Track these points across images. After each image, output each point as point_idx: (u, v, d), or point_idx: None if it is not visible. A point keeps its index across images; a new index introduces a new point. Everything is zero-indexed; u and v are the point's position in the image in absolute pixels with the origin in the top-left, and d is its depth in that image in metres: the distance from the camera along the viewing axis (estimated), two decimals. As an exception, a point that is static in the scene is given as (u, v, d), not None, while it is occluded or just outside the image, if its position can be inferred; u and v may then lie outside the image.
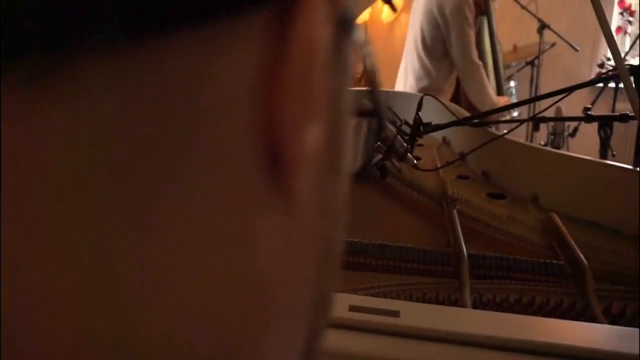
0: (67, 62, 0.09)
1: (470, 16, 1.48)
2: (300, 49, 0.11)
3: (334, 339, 0.46)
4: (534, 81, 2.32)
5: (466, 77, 1.54)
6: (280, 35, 0.11)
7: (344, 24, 0.13)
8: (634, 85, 0.62)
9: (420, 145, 1.18)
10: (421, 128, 0.85)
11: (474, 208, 0.83)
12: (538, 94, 2.22)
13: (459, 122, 0.89)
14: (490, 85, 1.60)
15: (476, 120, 0.94)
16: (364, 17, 2.65)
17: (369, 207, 0.89)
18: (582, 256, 0.62)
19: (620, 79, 0.60)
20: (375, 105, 0.17)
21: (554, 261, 0.64)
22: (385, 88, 2.09)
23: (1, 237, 0.09)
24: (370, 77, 0.16)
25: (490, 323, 0.47)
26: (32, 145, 0.09)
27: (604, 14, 0.57)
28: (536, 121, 0.86)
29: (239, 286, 0.12)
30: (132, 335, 0.10)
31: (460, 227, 0.76)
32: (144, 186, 0.10)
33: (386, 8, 2.67)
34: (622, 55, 2.30)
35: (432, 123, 0.92)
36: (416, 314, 0.46)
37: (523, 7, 2.09)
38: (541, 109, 1.03)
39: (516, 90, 2.28)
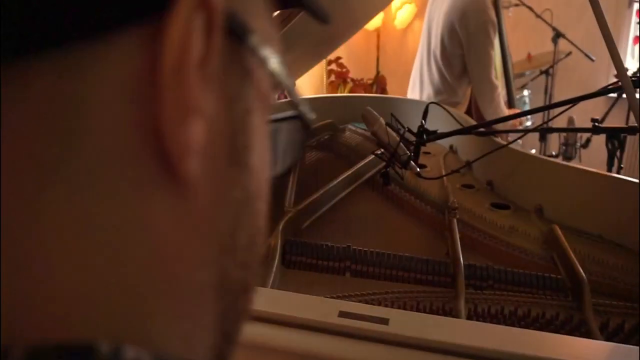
0: None
1: (493, 35, 1.46)
2: (169, 59, 0.13)
3: (322, 344, 0.46)
4: (548, 91, 2.29)
5: (483, 97, 1.52)
6: (152, 50, 0.13)
7: (235, 34, 0.15)
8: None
9: (427, 153, 1.18)
10: (424, 136, 0.85)
11: (476, 218, 0.83)
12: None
13: (463, 131, 0.88)
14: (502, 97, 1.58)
15: (482, 129, 0.94)
16: (376, 23, 2.66)
17: (371, 213, 0.89)
18: (580, 270, 0.62)
19: (624, 90, 0.59)
20: (298, 112, 0.19)
21: (551, 274, 0.64)
22: (397, 94, 2.09)
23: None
24: (284, 86, 0.18)
25: (480, 334, 0.47)
26: None
27: (604, 19, 0.57)
28: (541, 132, 0.85)
29: (131, 263, 0.14)
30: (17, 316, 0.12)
31: (461, 236, 0.76)
32: (33, 178, 0.12)
33: (399, 14, 2.67)
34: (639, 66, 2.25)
35: (438, 131, 0.92)
36: (405, 323, 0.47)
37: (537, 16, 2.07)
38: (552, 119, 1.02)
39: (530, 99, 2.25)
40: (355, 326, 0.46)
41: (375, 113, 0.89)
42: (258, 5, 0.17)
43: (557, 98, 2.23)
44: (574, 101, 0.73)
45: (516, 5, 2.08)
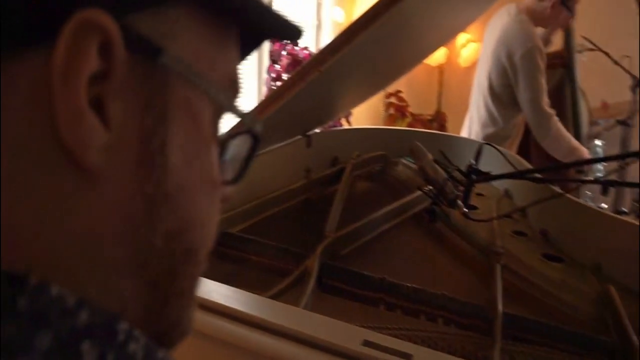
0: None
1: (542, 63, 1.43)
2: (56, 71, 0.17)
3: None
4: (625, 142, 2.16)
5: (538, 128, 1.47)
6: (48, 65, 0.18)
7: (147, 53, 0.19)
8: None
9: (480, 194, 1.16)
10: (472, 176, 0.84)
11: (524, 267, 0.80)
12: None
13: (514, 175, 0.87)
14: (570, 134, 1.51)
15: (536, 175, 0.91)
16: (440, 60, 2.67)
17: (414, 249, 0.89)
18: (634, 335, 0.58)
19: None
20: (247, 126, 0.23)
21: (601, 336, 0.60)
22: (457, 132, 2.06)
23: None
24: (218, 103, 0.22)
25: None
26: None
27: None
28: (603, 184, 0.82)
29: (55, 228, 0.18)
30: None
31: (507, 284, 0.74)
32: None
33: (464, 52, 2.67)
34: None
35: (491, 173, 0.91)
36: (430, 361, 0.46)
37: (615, 62, 1.98)
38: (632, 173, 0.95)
39: (603, 150, 2.13)
40: (377, 357, 0.47)
41: (424, 148, 0.90)
42: (197, 37, 0.21)
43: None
44: (631, 155, 0.69)
45: (591, 49, 2.01)
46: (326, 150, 1.27)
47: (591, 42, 1.99)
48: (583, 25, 2.20)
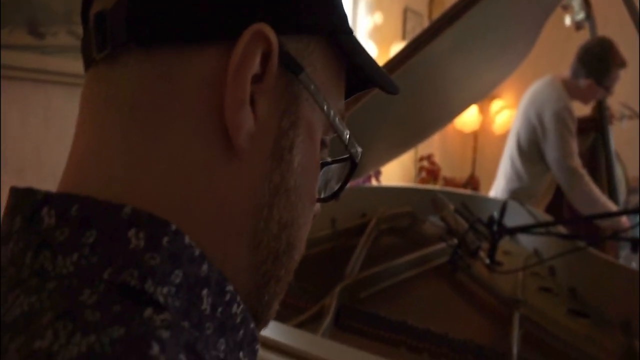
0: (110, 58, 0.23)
1: (572, 124, 1.46)
2: (232, 66, 0.22)
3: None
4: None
5: (567, 185, 1.48)
6: (224, 58, 0.22)
7: (291, 69, 0.24)
8: None
9: (508, 253, 1.17)
10: (494, 227, 0.88)
11: (548, 320, 0.81)
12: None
13: (535, 227, 0.90)
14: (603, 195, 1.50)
15: (564, 232, 0.94)
16: (474, 126, 2.76)
17: (435, 298, 0.91)
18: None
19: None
20: (348, 153, 0.28)
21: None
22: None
23: None
24: (332, 125, 0.26)
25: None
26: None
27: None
28: (633, 242, 0.84)
29: (197, 194, 0.23)
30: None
31: (529, 335, 0.75)
32: (146, 132, 0.22)
33: (498, 119, 2.75)
34: None
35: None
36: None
37: (655, 130, 1.99)
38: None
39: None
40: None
41: (445, 199, 0.96)
42: (321, 69, 0.26)
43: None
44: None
45: (630, 117, 2.03)
46: (355, 206, 1.33)
47: (630, 109, 2.02)
48: (622, 91, 2.24)
